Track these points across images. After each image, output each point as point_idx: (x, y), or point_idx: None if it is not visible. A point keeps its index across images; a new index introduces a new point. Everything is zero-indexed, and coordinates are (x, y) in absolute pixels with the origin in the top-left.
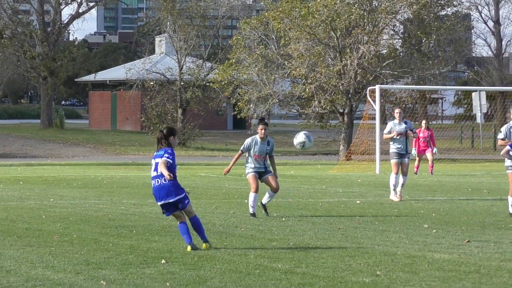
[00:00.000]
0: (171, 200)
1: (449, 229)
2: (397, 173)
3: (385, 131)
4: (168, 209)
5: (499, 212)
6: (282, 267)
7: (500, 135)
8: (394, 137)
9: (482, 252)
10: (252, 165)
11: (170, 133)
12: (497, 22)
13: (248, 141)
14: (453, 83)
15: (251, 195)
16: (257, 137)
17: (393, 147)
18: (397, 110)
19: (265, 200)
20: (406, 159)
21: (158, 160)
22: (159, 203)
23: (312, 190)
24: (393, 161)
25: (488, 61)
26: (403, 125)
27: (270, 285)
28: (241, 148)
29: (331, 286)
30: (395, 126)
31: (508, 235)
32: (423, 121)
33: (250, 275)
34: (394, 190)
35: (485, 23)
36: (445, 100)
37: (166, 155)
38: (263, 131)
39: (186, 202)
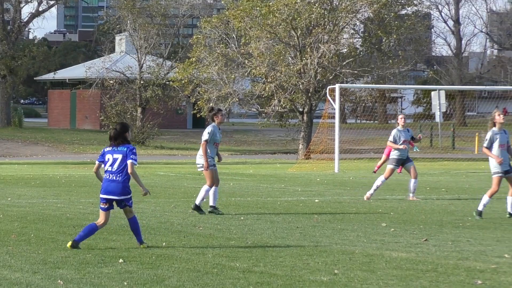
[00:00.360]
0: (117, 198)
1: (407, 228)
2: (387, 178)
3: (390, 138)
4: (110, 204)
5: (457, 210)
6: (240, 266)
7: (486, 143)
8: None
9: (439, 251)
10: (212, 156)
11: (126, 129)
12: (457, 22)
13: (210, 129)
14: (413, 82)
15: (209, 190)
16: (215, 125)
17: (396, 154)
18: (400, 116)
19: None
20: (410, 163)
21: (118, 156)
22: (103, 196)
23: (271, 189)
24: (390, 166)
25: (448, 60)
26: (408, 132)
27: (228, 284)
28: (207, 138)
29: (289, 285)
30: (400, 133)
31: (466, 234)
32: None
33: (208, 274)
34: (374, 191)
35: (445, 22)
36: (405, 99)
37: (133, 156)
38: (222, 117)
39: (130, 202)
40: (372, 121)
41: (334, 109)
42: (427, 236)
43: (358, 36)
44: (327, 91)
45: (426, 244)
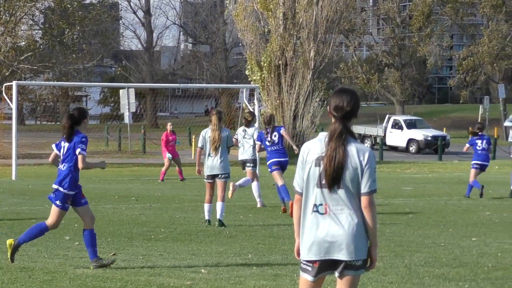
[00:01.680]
0: (56, 186)
1: None
2: (254, 180)
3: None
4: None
5: (148, 221)
6: None
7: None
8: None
9: (129, 266)
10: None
11: (84, 116)
12: (147, 12)
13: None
14: (99, 79)
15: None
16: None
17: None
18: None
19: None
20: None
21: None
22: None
23: None
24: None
25: (138, 55)
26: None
27: None
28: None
29: None
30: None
31: (158, 247)
32: (169, 124)
33: None
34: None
35: (135, 13)
36: (90, 98)
37: (81, 145)
38: None
39: (82, 201)
40: (54, 123)
41: (11, 109)
42: (116, 250)
43: (38, 27)
44: (3, 88)
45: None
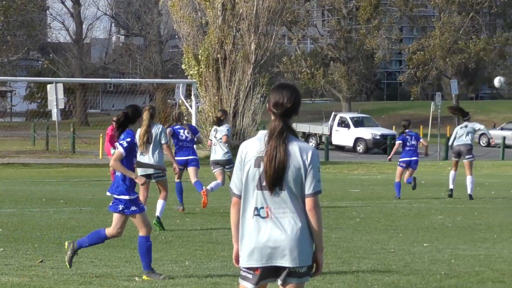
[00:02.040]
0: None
1: (19, 247)
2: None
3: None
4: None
5: (78, 226)
6: None
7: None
8: None
9: (58, 274)
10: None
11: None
12: (76, 3)
13: None
14: (25, 74)
15: None
16: None
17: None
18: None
19: None
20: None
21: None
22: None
23: None
24: None
25: (67, 48)
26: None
27: None
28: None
29: None
30: None
31: (89, 253)
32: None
33: None
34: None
35: (63, 3)
36: (15, 93)
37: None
38: None
39: (131, 209)
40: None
41: None
42: (43, 256)
43: None
44: None
45: (42, 266)
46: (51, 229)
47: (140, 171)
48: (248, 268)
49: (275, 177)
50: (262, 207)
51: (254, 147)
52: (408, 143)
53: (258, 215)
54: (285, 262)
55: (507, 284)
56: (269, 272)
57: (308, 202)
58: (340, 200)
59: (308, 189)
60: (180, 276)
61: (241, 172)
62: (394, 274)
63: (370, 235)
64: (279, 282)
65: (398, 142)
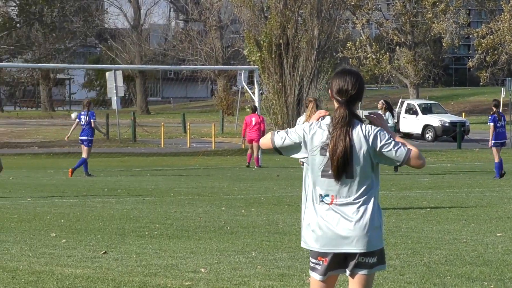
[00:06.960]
0: None
1: (82, 238)
2: None
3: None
4: None
5: (141, 216)
6: None
7: None
8: None
9: (122, 266)
10: None
11: None
12: None
13: None
14: (83, 61)
15: None
16: None
17: None
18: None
19: None
20: None
21: None
22: None
23: None
24: None
25: (125, 34)
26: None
27: None
28: None
29: None
30: None
31: (153, 245)
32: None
33: None
34: None
35: None
36: (74, 81)
37: None
38: None
39: None
40: (35, 109)
41: None
42: (107, 247)
43: (14, 4)
44: None
45: (105, 258)
46: (113, 219)
47: None
48: (315, 257)
49: (340, 165)
50: (327, 195)
51: (318, 135)
52: (498, 124)
53: (323, 201)
54: (352, 248)
55: None
56: (337, 262)
57: (411, 164)
58: (410, 189)
59: (398, 158)
60: (247, 267)
61: (293, 138)
62: (467, 265)
63: (441, 225)
64: (348, 272)
65: (491, 124)
